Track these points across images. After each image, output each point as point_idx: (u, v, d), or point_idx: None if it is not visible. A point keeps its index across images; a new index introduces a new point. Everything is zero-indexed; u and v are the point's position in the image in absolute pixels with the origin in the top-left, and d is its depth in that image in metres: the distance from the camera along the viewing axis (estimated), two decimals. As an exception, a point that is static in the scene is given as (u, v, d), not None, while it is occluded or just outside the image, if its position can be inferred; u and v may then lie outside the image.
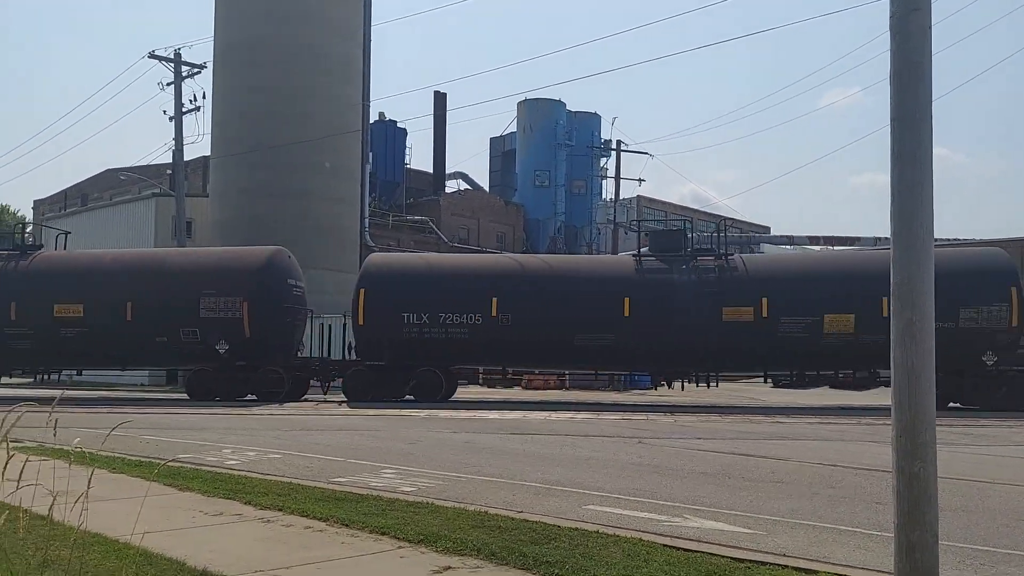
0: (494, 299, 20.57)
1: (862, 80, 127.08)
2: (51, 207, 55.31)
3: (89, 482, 3.94)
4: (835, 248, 44.07)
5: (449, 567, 4.65)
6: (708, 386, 23.87)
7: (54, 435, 3.90)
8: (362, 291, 21.19)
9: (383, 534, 5.29)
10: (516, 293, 20.85)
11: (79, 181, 57.00)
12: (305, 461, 9.31)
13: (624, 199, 53.09)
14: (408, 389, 20.85)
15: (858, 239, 44.40)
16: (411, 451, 10.45)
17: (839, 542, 5.57)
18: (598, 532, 5.53)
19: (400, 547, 5.07)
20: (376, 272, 21.92)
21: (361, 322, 21.01)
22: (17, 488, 3.38)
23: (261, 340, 21.24)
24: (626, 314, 20.18)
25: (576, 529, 5.58)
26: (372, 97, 40.05)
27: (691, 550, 5.14)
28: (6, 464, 3.47)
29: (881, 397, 19.83)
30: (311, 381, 22.64)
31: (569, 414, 16.64)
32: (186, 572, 4.47)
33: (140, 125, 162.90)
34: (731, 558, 4.96)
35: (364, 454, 9.98)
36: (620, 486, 7.87)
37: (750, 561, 4.90)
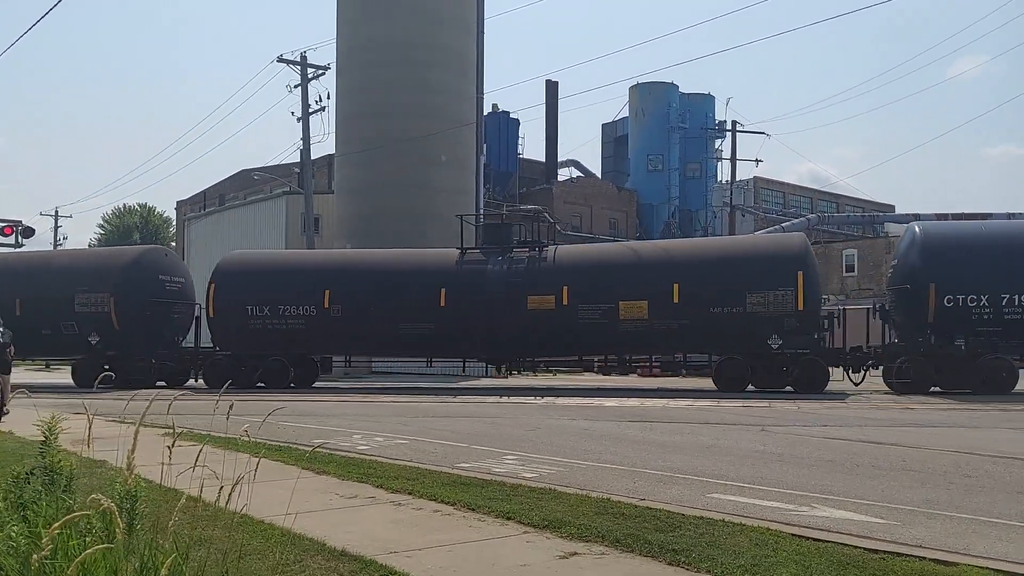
0: (327, 292, 21.99)
1: (991, 48, 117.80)
2: (192, 207, 58.65)
3: (252, 470, 4.21)
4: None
5: (575, 553, 4.73)
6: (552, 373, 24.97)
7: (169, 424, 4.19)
8: (212, 286, 23.02)
9: (509, 519, 5.44)
10: (347, 286, 22.18)
11: (217, 182, 60.18)
12: (431, 447, 9.62)
13: (740, 181, 51.60)
14: (257, 377, 22.14)
15: (990, 215, 41.37)
16: (531, 438, 10.61)
17: (979, 533, 5.31)
18: (724, 521, 5.48)
19: (526, 532, 5.19)
20: (226, 268, 23.66)
21: (211, 314, 22.77)
22: (187, 470, 3.68)
23: (129, 333, 23.29)
24: (442, 304, 21.24)
25: (701, 517, 5.55)
26: (485, 89, 40.51)
27: (821, 540, 5.00)
28: (171, 448, 3.78)
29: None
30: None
31: (688, 401, 16.42)
32: (327, 552, 4.72)
33: (272, 126, 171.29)
34: (865, 549, 4.79)
35: (486, 441, 10.22)
36: (744, 474, 7.75)
37: (885, 552, 4.72)
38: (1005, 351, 18.96)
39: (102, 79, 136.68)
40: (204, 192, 60.34)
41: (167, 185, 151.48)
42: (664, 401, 16.70)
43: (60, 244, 61.05)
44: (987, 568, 4.46)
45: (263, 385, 22.00)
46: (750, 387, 19.64)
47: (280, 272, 23.81)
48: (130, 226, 75.52)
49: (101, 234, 77.28)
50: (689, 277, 20.20)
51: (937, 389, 18.91)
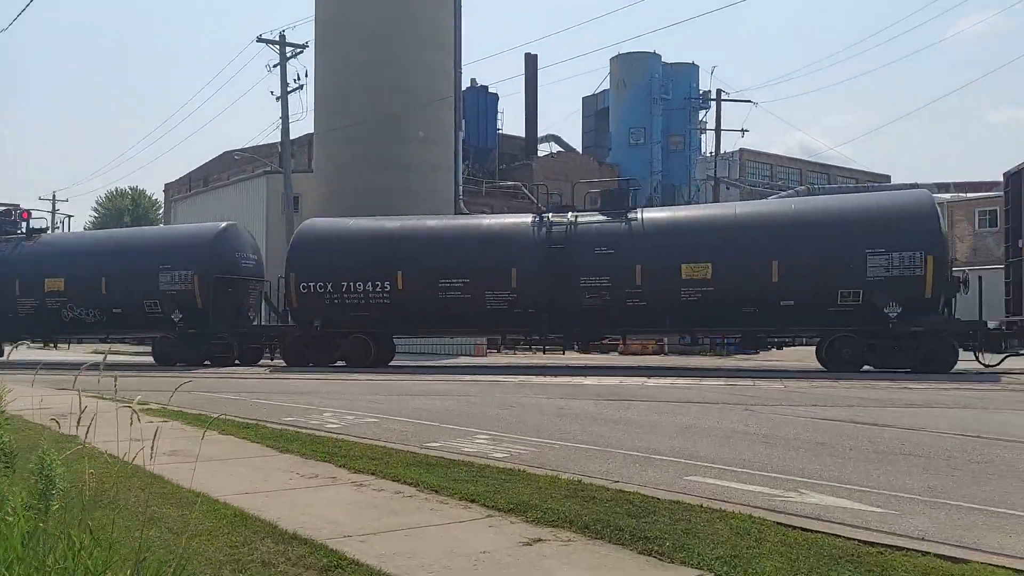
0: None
1: (995, 2, 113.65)
2: (179, 189, 58.26)
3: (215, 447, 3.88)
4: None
5: (539, 539, 4.42)
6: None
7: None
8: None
9: (472, 501, 5.12)
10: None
11: (202, 164, 59.51)
12: (401, 426, 9.30)
13: (725, 153, 51.24)
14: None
15: (996, 184, 41.03)
16: (505, 416, 10.31)
17: (990, 526, 4.83)
18: (702, 506, 5.17)
19: (489, 515, 4.88)
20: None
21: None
22: (142, 449, 3.38)
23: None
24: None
25: (677, 502, 5.24)
26: (464, 63, 39.85)
27: (810, 529, 4.62)
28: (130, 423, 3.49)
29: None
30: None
31: (668, 380, 16.20)
32: (278, 534, 4.44)
33: (254, 106, 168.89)
34: (859, 541, 4.36)
35: (458, 419, 9.92)
36: (725, 456, 7.47)
37: (883, 545, 4.28)
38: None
39: (90, 66, 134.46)
40: (190, 175, 59.85)
41: (156, 168, 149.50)
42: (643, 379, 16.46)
43: (58, 228, 60.76)
44: (1003, 567, 3.97)
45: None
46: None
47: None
48: (121, 209, 75.59)
49: (95, 217, 77.39)
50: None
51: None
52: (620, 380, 16.07)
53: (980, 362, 18.40)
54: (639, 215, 21.08)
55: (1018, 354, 19.22)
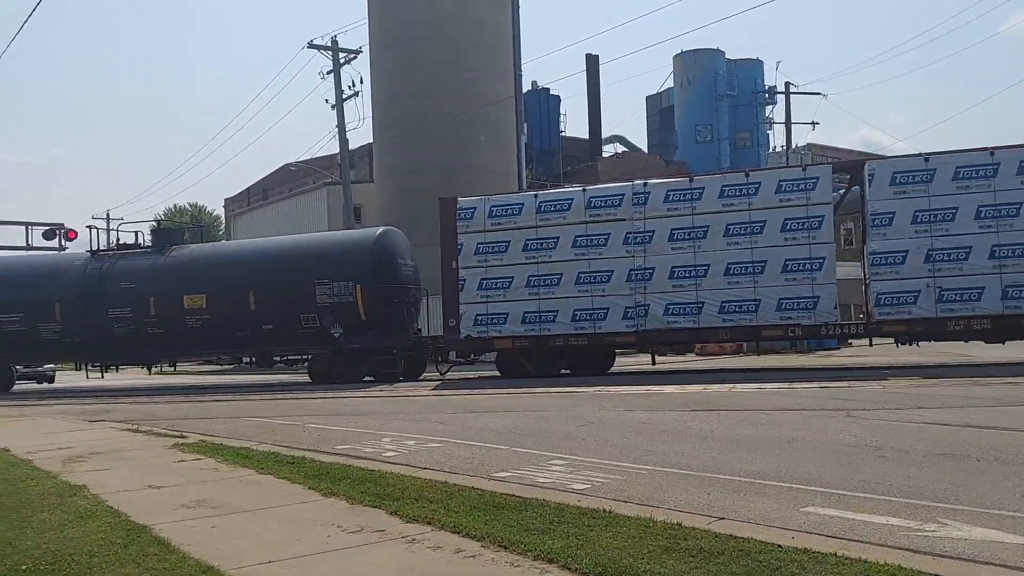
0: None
1: None
2: (238, 204, 58.82)
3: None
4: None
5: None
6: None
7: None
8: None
9: (550, 561, 4.11)
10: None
11: (261, 178, 60.17)
12: (466, 451, 8.41)
13: (797, 147, 49.15)
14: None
15: None
16: (582, 435, 9.32)
17: None
18: (836, 554, 4.13)
19: (572, 582, 3.91)
20: None
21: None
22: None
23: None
24: None
25: (805, 550, 4.19)
26: (523, 64, 39.08)
27: None
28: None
29: None
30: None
31: (757, 384, 14.91)
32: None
33: (310, 115, 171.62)
34: None
35: (529, 440, 8.97)
36: (841, 476, 6.38)
37: None
38: None
39: (135, 81, 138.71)
40: (248, 188, 60.41)
41: (215, 183, 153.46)
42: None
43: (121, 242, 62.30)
44: None
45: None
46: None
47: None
48: (180, 226, 76.78)
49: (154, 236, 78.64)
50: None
51: None
52: (703, 387, 14.88)
53: (439, 371, 21.58)
54: (177, 252, 24.18)
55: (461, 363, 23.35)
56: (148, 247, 25.35)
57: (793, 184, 17.91)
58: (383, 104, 36.09)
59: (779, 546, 4.27)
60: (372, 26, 36.88)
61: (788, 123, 42.92)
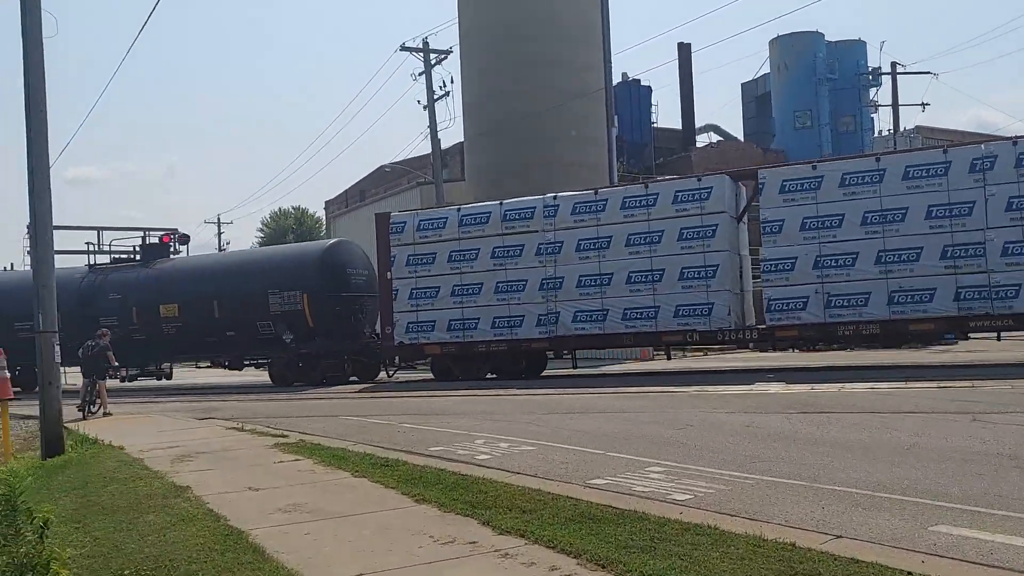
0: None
1: None
2: (337, 206, 60.37)
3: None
4: None
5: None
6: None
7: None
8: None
9: (653, 587, 3.84)
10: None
11: (358, 180, 61.51)
12: (561, 455, 8.15)
13: (906, 130, 46.68)
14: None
15: None
16: (681, 439, 8.92)
17: None
18: (978, 586, 3.68)
19: (677, 609, 3.61)
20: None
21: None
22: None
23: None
24: None
25: (939, 581, 3.77)
26: (613, 56, 38.42)
27: None
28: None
29: None
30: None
31: (869, 384, 14.07)
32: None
33: (404, 117, 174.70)
34: None
35: (626, 445, 8.63)
36: (972, 490, 5.82)
37: None
38: None
39: (238, 89, 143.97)
40: (347, 191, 61.84)
41: (316, 186, 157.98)
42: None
43: (223, 249, 64.71)
44: None
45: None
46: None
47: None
48: (285, 228, 79.34)
49: (260, 238, 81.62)
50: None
51: None
52: (811, 387, 14.15)
53: (386, 373, 23.09)
54: (160, 264, 26.01)
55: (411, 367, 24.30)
56: (136, 261, 27.30)
57: (689, 194, 18.40)
58: (472, 103, 36.17)
59: (909, 573, 3.84)
60: (461, 26, 37.00)
61: (896, 105, 40.78)
